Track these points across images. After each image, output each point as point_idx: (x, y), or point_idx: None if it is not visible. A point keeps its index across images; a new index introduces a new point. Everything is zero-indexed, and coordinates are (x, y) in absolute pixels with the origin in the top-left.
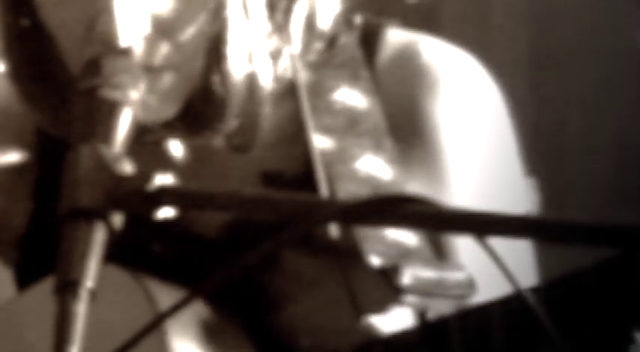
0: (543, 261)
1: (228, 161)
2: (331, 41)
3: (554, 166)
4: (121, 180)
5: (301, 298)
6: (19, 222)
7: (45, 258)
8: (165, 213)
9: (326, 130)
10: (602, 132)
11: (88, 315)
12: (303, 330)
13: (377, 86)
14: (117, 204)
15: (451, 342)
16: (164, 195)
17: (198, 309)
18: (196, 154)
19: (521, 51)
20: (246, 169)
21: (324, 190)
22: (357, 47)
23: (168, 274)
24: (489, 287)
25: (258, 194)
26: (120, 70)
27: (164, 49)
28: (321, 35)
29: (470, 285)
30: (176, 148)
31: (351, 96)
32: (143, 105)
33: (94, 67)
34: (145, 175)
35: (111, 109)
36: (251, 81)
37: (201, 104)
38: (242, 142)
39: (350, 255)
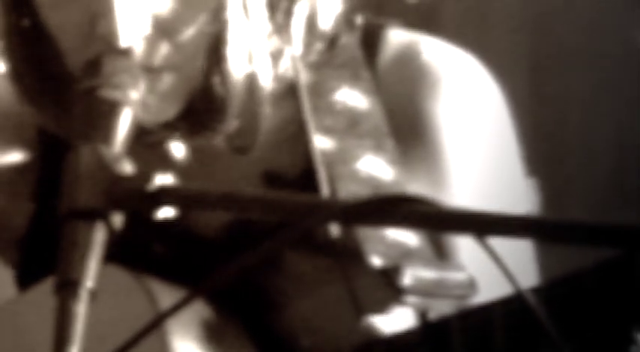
0: (544, 261)
1: (229, 161)
2: (332, 41)
3: (554, 166)
4: (121, 180)
5: (302, 298)
6: (20, 222)
7: (45, 258)
8: (165, 213)
9: (327, 131)
10: (601, 132)
11: (88, 315)
12: (303, 330)
13: (378, 86)
14: (117, 204)
15: (452, 342)
16: (164, 195)
17: (198, 309)
18: (197, 155)
19: (521, 51)
20: (247, 169)
21: (325, 190)
22: (357, 47)
23: (168, 274)
24: (490, 288)
25: (258, 194)
26: (120, 70)
27: (164, 49)
28: (321, 35)
29: (471, 285)
30: (177, 149)
31: (352, 97)
32: (143, 105)
33: (94, 67)
34: (144, 175)
35: (111, 109)
36: (251, 81)
37: (201, 104)
38: (243, 143)
39: (351, 255)
